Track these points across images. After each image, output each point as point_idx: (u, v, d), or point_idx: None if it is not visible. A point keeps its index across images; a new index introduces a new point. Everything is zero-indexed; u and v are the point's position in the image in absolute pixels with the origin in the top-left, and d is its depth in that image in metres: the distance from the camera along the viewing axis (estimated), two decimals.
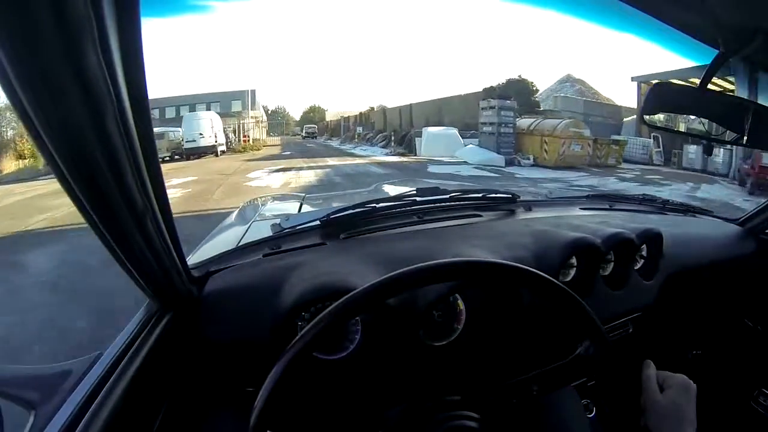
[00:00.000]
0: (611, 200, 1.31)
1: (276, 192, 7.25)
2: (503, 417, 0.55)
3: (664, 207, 1.32)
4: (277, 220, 0.98)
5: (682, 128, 0.87)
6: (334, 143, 27.90)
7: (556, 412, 0.71)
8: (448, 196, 1.08)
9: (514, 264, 0.53)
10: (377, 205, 0.97)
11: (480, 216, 1.05)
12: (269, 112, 75.37)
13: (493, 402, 0.56)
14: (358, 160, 14.64)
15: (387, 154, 16.63)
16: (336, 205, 0.97)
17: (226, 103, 25.03)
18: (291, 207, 1.71)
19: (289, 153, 18.96)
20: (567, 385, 0.63)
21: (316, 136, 40.03)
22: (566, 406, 0.73)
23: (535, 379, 0.56)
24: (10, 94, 0.28)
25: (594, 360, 0.55)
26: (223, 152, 18.14)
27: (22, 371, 0.51)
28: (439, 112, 20.41)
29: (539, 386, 0.56)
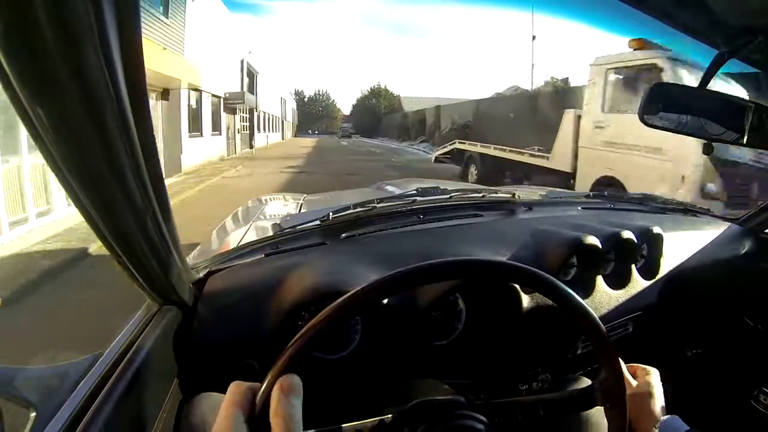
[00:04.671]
0: (612, 200, 1.31)
1: None
2: (508, 418, 0.55)
3: (664, 206, 1.32)
4: (278, 220, 0.98)
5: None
6: None
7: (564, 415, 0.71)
8: (448, 196, 1.08)
9: (514, 263, 0.53)
10: (377, 205, 0.97)
11: (480, 216, 1.05)
12: (306, 99, 57.74)
13: (497, 402, 0.56)
14: None
15: None
16: (336, 205, 0.97)
17: None
18: (291, 207, 1.71)
19: None
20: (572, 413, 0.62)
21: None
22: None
23: (539, 402, 0.56)
24: (11, 93, 0.28)
25: (594, 360, 0.55)
26: None
27: (22, 371, 0.51)
28: None
29: (545, 410, 0.55)
